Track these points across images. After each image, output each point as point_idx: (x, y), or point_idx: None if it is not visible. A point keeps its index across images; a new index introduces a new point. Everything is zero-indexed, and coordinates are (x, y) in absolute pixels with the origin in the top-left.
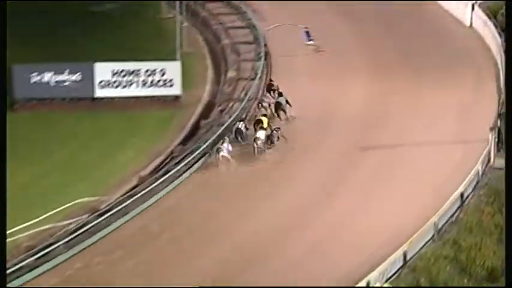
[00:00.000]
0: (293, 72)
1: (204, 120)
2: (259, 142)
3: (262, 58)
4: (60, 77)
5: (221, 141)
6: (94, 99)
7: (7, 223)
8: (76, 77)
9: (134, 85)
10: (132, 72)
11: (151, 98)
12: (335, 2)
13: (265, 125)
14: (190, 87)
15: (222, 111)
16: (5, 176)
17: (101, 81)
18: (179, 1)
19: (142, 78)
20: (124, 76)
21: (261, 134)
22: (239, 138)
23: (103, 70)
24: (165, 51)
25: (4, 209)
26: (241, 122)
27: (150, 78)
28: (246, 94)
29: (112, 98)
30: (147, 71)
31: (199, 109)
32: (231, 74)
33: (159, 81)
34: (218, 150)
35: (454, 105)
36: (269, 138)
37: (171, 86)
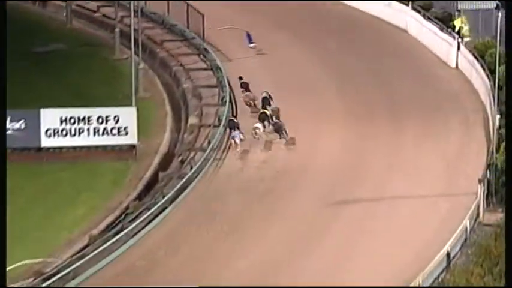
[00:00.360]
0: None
1: (163, 173)
2: (258, 131)
3: (227, 103)
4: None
5: (232, 129)
6: (40, 149)
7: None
8: (19, 124)
9: (85, 133)
10: (83, 119)
11: (104, 148)
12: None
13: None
14: (147, 136)
15: (182, 162)
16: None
17: (47, 130)
18: (135, 40)
19: (93, 125)
20: (73, 124)
21: (259, 125)
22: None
23: (50, 117)
24: (119, 95)
25: (4, 208)
26: (234, 117)
27: (102, 126)
28: (209, 143)
29: (60, 148)
30: (99, 117)
31: (157, 160)
32: (192, 120)
33: (112, 129)
34: (233, 137)
35: (439, 154)
36: (276, 128)
37: (126, 134)
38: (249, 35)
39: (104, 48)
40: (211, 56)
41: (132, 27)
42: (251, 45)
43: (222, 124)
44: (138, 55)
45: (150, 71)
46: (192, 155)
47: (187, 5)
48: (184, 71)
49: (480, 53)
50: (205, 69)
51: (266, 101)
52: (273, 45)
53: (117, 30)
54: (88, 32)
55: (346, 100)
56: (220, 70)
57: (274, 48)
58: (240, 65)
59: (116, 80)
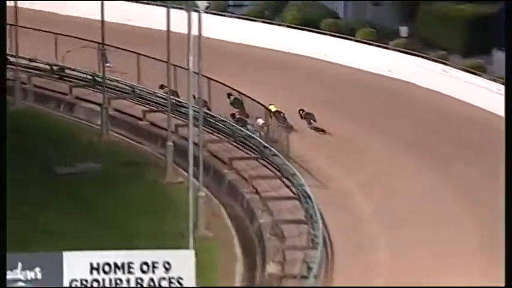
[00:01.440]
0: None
1: None
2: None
3: (320, 245)
4: (10, 275)
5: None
6: None
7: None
8: (35, 274)
9: (124, 286)
10: (121, 266)
11: None
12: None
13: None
14: None
15: None
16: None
17: (72, 281)
18: (194, 157)
19: (136, 275)
20: (108, 272)
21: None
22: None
23: (76, 263)
24: (171, 234)
25: (4, 209)
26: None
27: (147, 276)
28: None
29: None
30: (143, 264)
31: None
32: (271, 269)
33: (161, 279)
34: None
35: None
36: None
37: (180, 287)
38: (104, 55)
39: (151, 169)
40: (298, 180)
41: (191, 140)
42: (107, 64)
43: (312, 275)
44: (197, 178)
45: (214, 199)
46: None
47: (267, 110)
48: (260, 200)
49: None
50: (289, 198)
51: (238, 101)
52: (373, 155)
53: (169, 144)
54: (130, 147)
55: (482, 234)
56: (311, 200)
57: (374, 160)
58: (336, 190)
59: (168, 211)
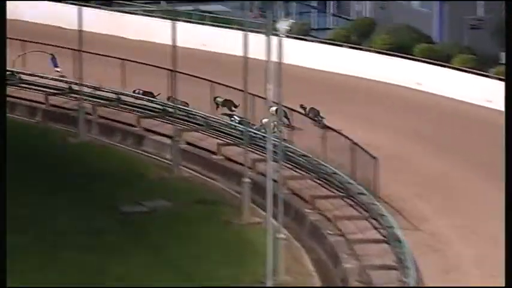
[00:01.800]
0: None
1: None
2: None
3: None
4: None
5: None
6: None
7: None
8: None
9: None
10: None
11: None
12: None
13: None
14: None
15: None
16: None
17: None
18: (273, 196)
19: None
20: None
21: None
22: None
23: None
24: (248, 280)
25: (4, 209)
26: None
27: None
28: None
29: None
30: None
31: None
32: None
33: None
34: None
35: None
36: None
37: None
38: (53, 59)
39: (226, 208)
40: (387, 222)
41: (269, 177)
42: (57, 69)
43: None
44: (277, 218)
45: (294, 242)
46: None
47: (353, 143)
48: (346, 243)
49: None
50: (377, 241)
51: (230, 103)
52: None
53: (246, 180)
54: (203, 183)
55: None
56: (402, 243)
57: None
58: (429, 233)
59: (244, 255)
